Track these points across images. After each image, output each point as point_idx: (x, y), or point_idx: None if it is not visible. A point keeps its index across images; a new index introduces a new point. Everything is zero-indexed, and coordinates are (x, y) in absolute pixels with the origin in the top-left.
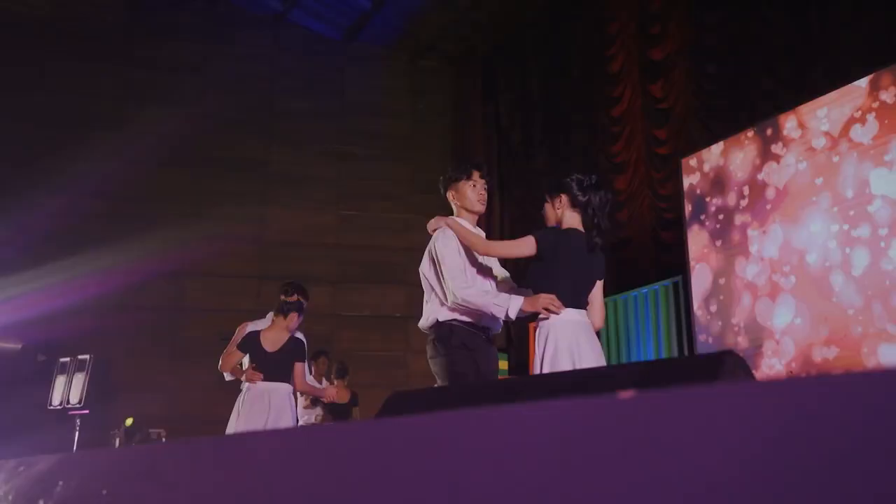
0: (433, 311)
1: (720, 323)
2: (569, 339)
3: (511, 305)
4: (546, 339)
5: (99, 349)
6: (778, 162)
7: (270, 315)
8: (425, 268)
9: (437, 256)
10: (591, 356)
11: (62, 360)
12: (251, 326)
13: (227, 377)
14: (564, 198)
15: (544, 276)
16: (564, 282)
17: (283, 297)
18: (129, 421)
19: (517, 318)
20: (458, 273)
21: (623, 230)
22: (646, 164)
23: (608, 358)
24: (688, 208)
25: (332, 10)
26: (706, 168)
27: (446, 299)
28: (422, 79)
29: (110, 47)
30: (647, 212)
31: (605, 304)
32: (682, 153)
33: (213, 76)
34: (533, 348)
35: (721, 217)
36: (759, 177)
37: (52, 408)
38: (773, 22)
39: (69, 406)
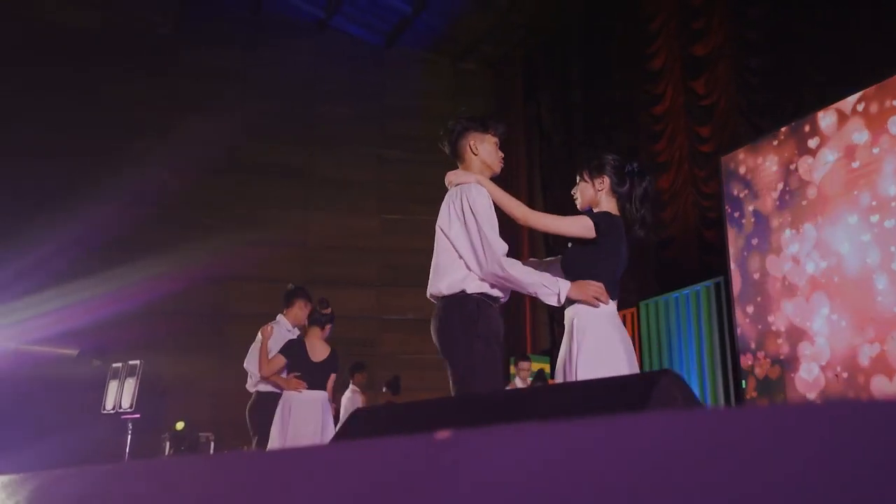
0: (458, 280)
1: (760, 326)
2: (614, 333)
3: (561, 291)
4: (587, 330)
5: (150, 354)
6: (815, 157)
7: (281, 318)
8: (445, 224)
9: (474, 214)
10: (631, 351)
11: (114, 365)
12: (277, 329)
13: (257, 384)
14: (607, 180)
15: (592, 261)
16: (611, 271)
17: (319, 309)
18: (179, 425)
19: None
20: (499, 240)
21: (666, 230)
22: (689, 162)
23: (650, 362)
24: (727, 207)
25: (373, 16)
26: (744, 166)
27: (479, 267)
28: (462, 81)
29: (156, 57)
30: (691, 211)
31: (647, 307)
32: (726, 150)
33: (255, 83)
34: None
35: (759, 216)
36: (798, 173)
37: (105, 412)
38: (817, 14)
39: (121, 410)
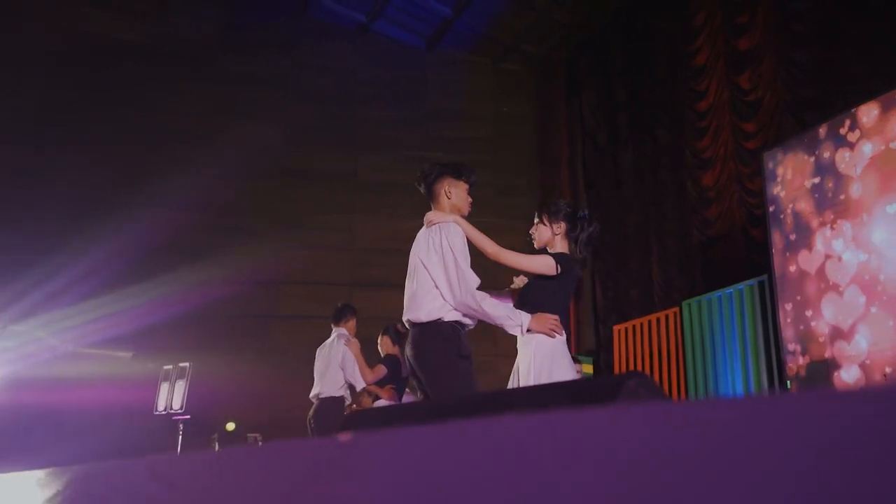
0: (436, 308)
1: (801, 326)
2: (567, 360)
3: (524, 323)
4: (546, 358)
5: (200, 357)
6: (855, 151)
7: (343, 332)
8: (424, 255)
9: (451, 250)
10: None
11: (165, 367)
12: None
13: (326, 391)
14: (564, 225)
15: (551, 297)
16: (564, 305)
17: (400, 329)
18: (230, 426)
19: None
20: (472, 274)
21: (711, 228)
22: (734, 159)
23: (693, 362)
24: (768, 204)
25: (414, 19)
26: (785, 162)
27: (452, 296)
28: (504, 82)
29: (200, 64)
30: (736, 208)
31: (689, 306)
32: (772, 146)
33: (298, 88)
34: (618, 352)
35: (798, 213)
36: (838, 168)
37: (157, 413)
38: (865, 5)
39: (172, 411)
